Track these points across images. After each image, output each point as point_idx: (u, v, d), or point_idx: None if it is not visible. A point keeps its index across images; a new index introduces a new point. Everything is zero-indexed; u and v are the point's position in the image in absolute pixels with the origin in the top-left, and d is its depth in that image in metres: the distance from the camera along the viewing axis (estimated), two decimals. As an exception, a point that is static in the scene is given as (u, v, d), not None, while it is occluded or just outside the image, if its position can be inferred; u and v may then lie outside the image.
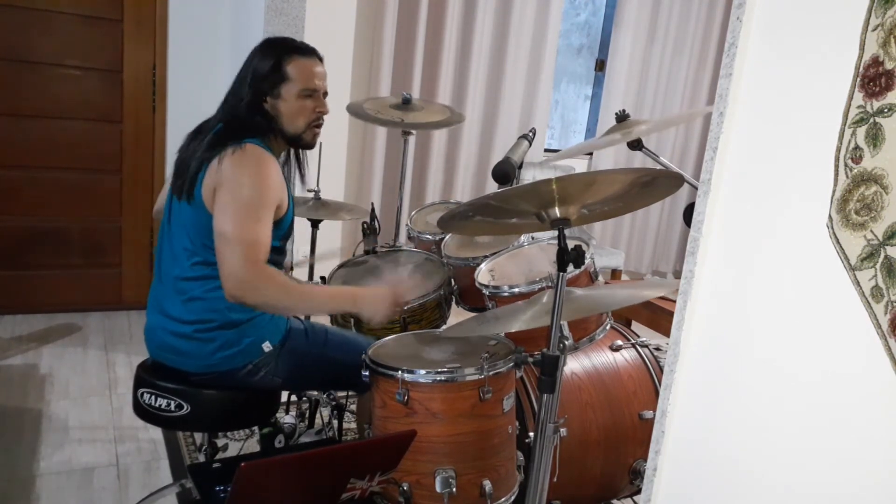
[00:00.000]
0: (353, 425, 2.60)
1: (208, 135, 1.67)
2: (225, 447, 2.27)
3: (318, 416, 2.36)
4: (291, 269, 2.06)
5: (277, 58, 1.71)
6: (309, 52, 1.76)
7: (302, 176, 1.92)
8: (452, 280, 2.17)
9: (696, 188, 1.13)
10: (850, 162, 0.87)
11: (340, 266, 2.27)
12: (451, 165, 4.17)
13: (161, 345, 1.71)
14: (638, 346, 2.06)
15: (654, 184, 1.35)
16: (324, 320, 2.10)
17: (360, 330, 2.06)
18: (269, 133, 1.72)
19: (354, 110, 2.52)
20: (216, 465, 1.61)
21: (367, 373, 1.62)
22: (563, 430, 1.74)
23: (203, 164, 1.61)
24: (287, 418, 2.34)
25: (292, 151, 1.88)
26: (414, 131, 2.71)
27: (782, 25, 0.98)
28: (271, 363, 1.72)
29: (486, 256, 2.04)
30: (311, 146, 1.80)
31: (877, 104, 0.84)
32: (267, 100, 1.72)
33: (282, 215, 1.68)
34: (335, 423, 2.17)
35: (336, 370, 1.81)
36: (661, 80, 4.73)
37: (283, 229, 1.71)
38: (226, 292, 1.55)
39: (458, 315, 1.92)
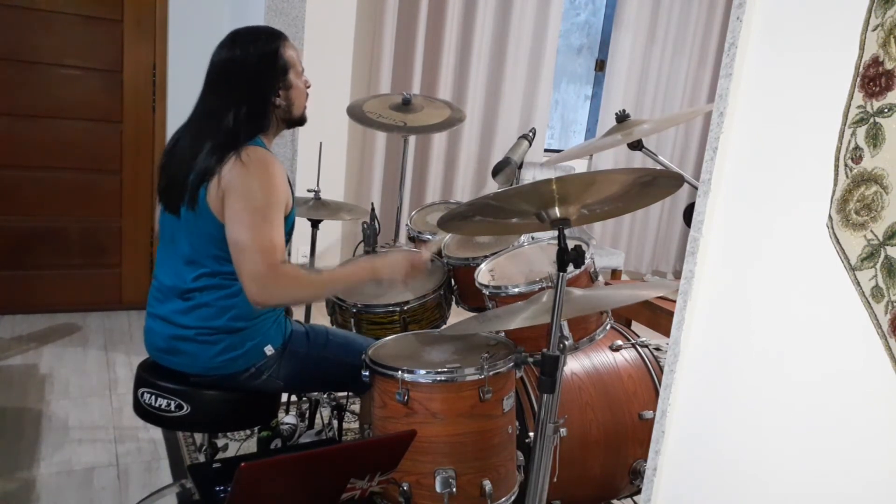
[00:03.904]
0: (354, 425, 2.60)
1: (198, 147, 1.61)
2: (225, 447, 2.28)
3: (318, 416, 2.36)
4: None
5: (275, 48, 1.67)
6: (281, 32, 1.74)
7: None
8: (452, 280, 2.17)
9: (696, 188, 1.13)
10: (850, 162, 0.87)
11: (340, 266, 2.27)
12: (451, 165, 4.17)
13: (162, 347, 1.70)
14: (638, 346, 2.06)
15: (654, 184, 1.35)
16: (324, 321, 2.10)
17: (360, 331, 2.06)
18: (268, 128, 1.70)
19: (355, 114, 2.51)
20: (216, 465, 1.61)
21: (367, 373, 1.62)
22: (563, 430, 1.74)
23: (204, 175, 1.57)
24: (287, 419, 2.34)
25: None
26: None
27: (782, 25, 0.98)
28: (273, 366, 1.72)
29: (486, 256, 2.04)
30: (306, 120, 1.80)
31: (877, 104, 0.84)
32: (280, 93, 1.68)
33: (287, 214, 1.68)
34: (335, 423, 2.17)
35: (337, 371, 1.80)
36: (661, 80, 4.73)
37: (287, 227, 1.71)
38: (250, 299, 1.55)
39: (458, 315, 1.92)
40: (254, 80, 1.65)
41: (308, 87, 1.77)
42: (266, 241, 1.54)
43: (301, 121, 1.78)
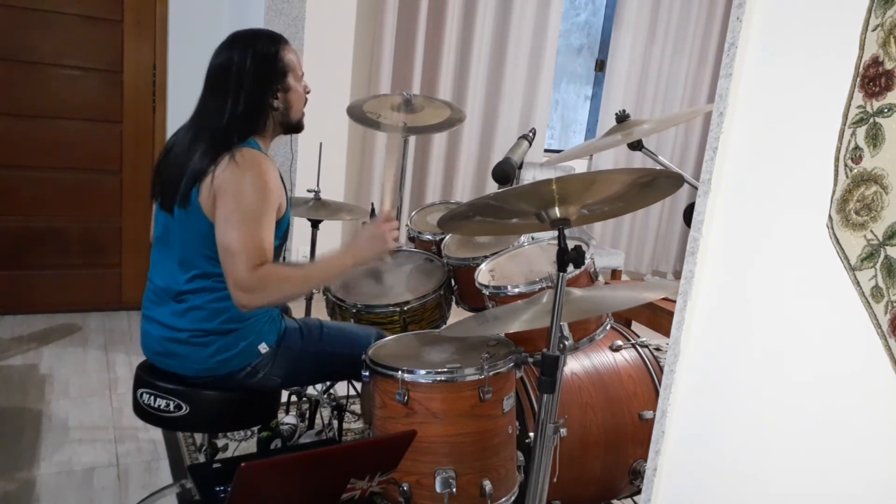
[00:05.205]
0: (353, 425, 2.60)
1: (194, 147, 1.62)
2: (225, 447, 2.28)
3: (318, 416, 2.36)
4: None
5: (275, 50, 1.67)
6: (281, 35, 1.73)
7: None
8: (452, 280, 2.17)
9: (696, 188, 1.13)
10: (850, 162, 0.87)
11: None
12: (451, 165, 4.17)
13: (158, 350, 1.70)
14: (638, 347, 2.06)
15: (654, 184, 1.35)
16: (321, 315, 2.10)
17: (359, 322, 2.06)
18: (265, 131, 1.69)
19: (355, 114, 2.51)
20: (216, 465, 1.61)
21: (367, 373, 1.62)
22: (563, 431, 1.74)
23: (198, 175, 1.57)
24: (287, 419, 2.34)
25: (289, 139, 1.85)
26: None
27: (782, 25, 0.98)
28: (268, 364, 1.72)
29: (486, 256, 2.04)
30: (303, 127, 1.79)
31: (877, 104, 0.84)
32: (278, 96, 1.68)
33: (281, 216, 1.68)
34: (335, 423, 2.17)
35: (333, 363, 1.81)
36: (661, 80, 4.73)
37: (282, 229, 1.71)
38: (235, 302, 1.55)
39: (458, 315, 1.92)
40: (251, 81, 1.64)
41: (307, 92, 1.77)
42: (254, 243, 1.54)
43: (298, 127, 1.76)
